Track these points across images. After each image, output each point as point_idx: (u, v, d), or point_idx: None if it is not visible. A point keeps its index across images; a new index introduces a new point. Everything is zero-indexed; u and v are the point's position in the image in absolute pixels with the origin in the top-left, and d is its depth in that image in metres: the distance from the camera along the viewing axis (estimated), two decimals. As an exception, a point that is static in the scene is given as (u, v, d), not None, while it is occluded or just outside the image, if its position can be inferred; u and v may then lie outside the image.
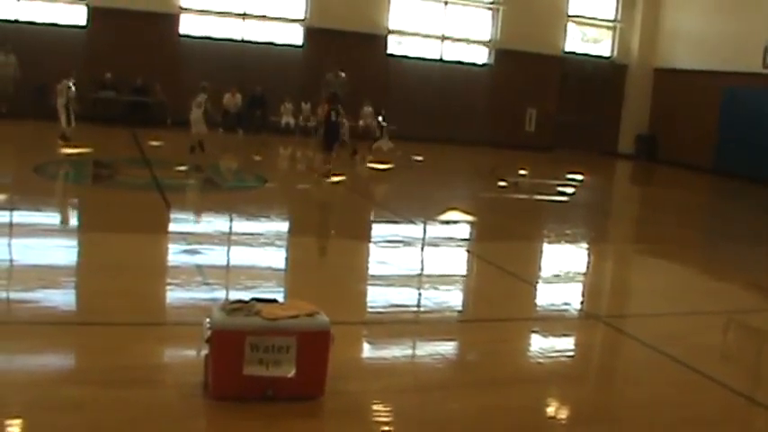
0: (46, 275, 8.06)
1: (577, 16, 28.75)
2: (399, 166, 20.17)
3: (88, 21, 24.25)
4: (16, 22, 23.98)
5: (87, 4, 24.07)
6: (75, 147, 17.43)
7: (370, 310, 8.09)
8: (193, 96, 18.36)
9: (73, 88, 18.55)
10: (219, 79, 22.32)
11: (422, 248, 11.56)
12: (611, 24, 29.31)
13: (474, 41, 28.04)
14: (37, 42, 23.28)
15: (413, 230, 12.66)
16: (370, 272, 9.95)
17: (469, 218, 14.25)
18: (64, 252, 9.62)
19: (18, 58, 22.64)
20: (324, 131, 16.57)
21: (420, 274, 9.83)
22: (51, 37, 23.78)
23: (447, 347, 7.03)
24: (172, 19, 24.64)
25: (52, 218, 11.70)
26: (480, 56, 28.12)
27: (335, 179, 15.70)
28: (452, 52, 27.78)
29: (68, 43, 23.79)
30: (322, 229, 12.39)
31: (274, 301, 5.56)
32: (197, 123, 18.07)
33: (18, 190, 13.22)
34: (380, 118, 22.90)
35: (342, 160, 17.71)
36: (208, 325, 5.20)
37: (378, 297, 8.54)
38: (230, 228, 11.98)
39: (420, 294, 8.83)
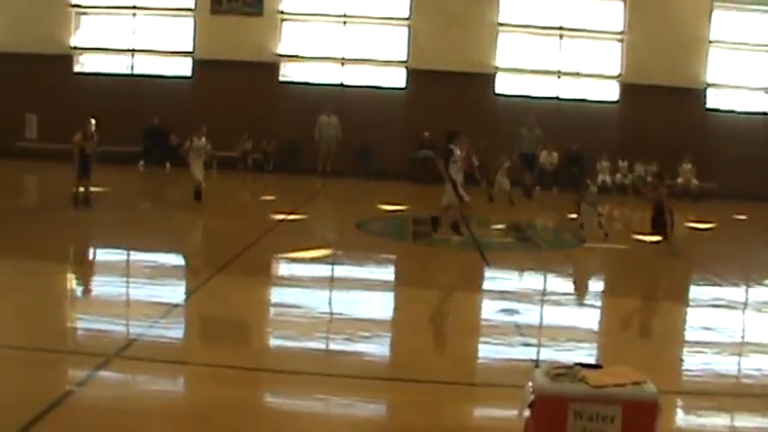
0: (366, 329, 8.68)
1: None
2: (721, 225, 19.45)
3: (407, 83, 25.87)
4: (341, 85, 26.11)
5: (407, 67, 25.71)
6: (394, 204, 18.40)
7: (690, 378, 7.88)
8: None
9: (209, 146, 17.80)
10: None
11: (745, 313, 11.14)
12: None
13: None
14: (357, 105, 25.20)
15: (736, 293, 12.24)
16: (689, 337, 9.72)
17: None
18: (383, 307, 10.36)
19: (340, 120, 24.53)
20: (653, 217, 14.54)
21: (743, 342, 9.43)
22: (371, 99, 25.64)
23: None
24: (488, 78, 25.75)
25: (373, 273, 12.46)
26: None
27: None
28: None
29: (388, 104, 25.53)
30: (638, 290, 12.26)
31: (599, 366, 5.46)
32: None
33: (342, 245, 14.31)
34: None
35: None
36: (530, 389, 5.17)
37: (697, 365, 8.26)
38: (548, 287, 12.23)
39: (743, 363, 8.49)
